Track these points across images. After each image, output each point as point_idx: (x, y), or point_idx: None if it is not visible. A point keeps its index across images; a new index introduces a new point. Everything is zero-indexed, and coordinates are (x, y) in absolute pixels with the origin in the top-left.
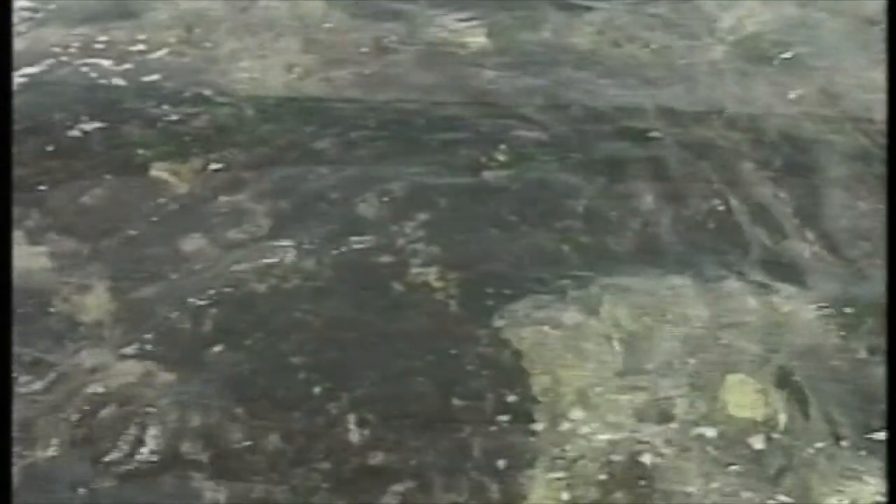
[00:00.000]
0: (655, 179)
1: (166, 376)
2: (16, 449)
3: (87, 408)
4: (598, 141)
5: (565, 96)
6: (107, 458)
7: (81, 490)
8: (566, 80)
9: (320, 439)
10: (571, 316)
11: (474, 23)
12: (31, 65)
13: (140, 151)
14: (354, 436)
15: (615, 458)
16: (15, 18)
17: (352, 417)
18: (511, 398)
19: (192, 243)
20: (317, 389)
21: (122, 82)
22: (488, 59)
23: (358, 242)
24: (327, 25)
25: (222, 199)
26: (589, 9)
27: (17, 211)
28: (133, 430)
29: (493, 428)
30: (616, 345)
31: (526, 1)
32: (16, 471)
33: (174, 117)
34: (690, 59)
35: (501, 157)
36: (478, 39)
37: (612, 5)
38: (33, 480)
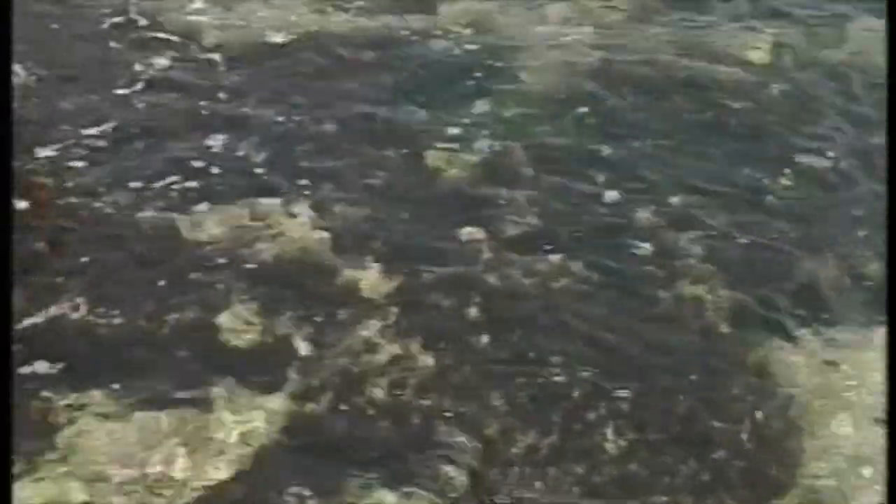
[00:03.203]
0: None
1: (426, 359)
2: None
3: (350, 381)
4: None
5: None
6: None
7: None
8: None
9: (575, 442)
10: (844, 355)
11: None
12: None
13: (421, 136)
14: (610, 445)
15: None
16: None
17: (609, 426)
18: (773, 427)
19: (467, 233)
20: (576, 393)
21: None
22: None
23: (631, 249)
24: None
25: (499, 191)
26: None
27: None
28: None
29: (751, 455)
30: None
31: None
32: None
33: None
34: None
35: (785, 181)
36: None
37: None
38: None
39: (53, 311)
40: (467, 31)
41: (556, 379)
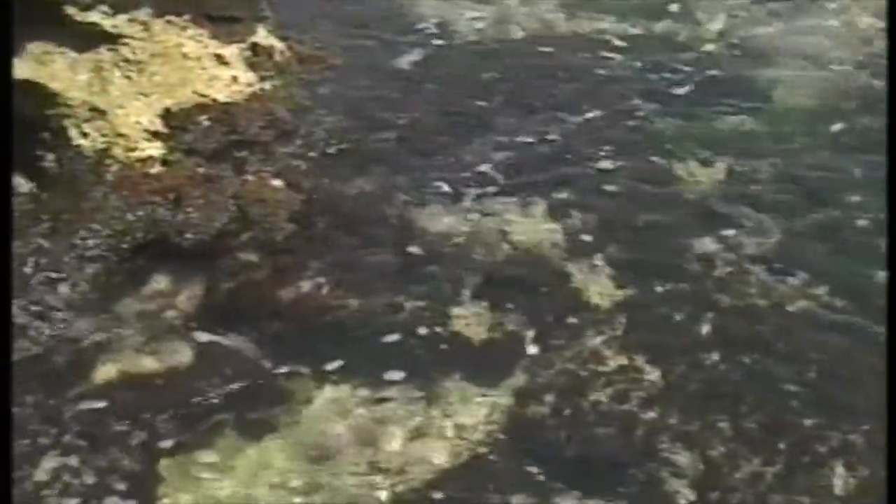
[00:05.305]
0: None
1: (653, 373)
2: None
3: (574, 386)
4: None
5: None
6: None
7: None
8: None
9: (803, 475)
10: None
11: None
12: None
13: (667, 146)
14: (839, 481)
15: None
16: None
17: (840, 462)
18: None
19: (704, 248)
20: (807, 423)
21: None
22: None
23: (879, 278)
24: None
25: (741, 207)
26: None
27: None
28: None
29: None
30: None
31: None
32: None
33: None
34: None
35: None
36: None
37: None
38: None
39: (299, 289)
40: (722, 42)
41: (788, 406)
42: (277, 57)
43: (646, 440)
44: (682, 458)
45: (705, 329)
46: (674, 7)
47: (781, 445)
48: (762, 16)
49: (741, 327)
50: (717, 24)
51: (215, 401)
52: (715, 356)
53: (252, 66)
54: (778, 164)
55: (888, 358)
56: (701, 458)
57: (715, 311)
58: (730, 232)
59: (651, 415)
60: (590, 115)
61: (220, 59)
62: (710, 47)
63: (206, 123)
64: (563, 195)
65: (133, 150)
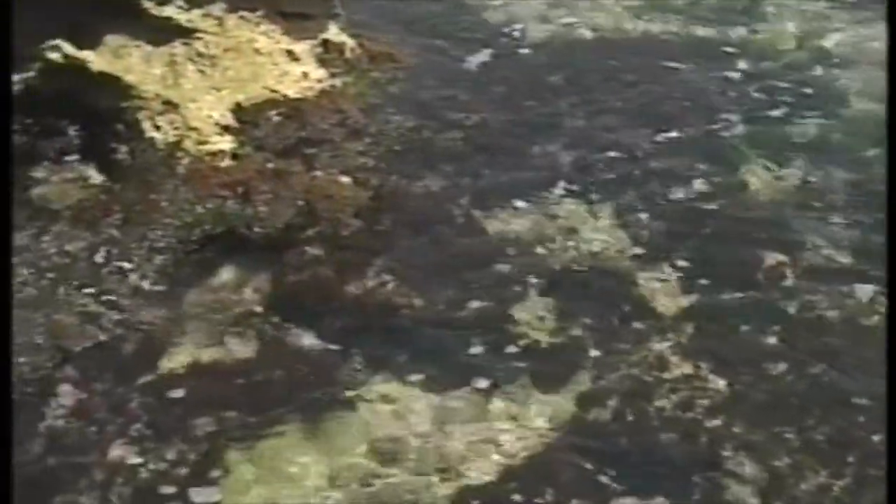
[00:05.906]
0: None
1: (718, 382)
2: None
3: (638, 392)
4: None
5: None
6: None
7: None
8: None
9: (871, 490)
10: None
11: None
12: None
13: (737, 152)
14: None
15: None
16: None
17: None
18: None
19: (773, 257)
20: (876, 438)
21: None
22: None
23: None
24: None
25: (812, 217)
26: None
27: None
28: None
29: None
30: None
31: None
32: None
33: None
34: None
35: None
36: None
37: None
38: None
39: (364, 285)
40: (793, 46)
41: (854, 420)
42: (348, 54)
43: (709, 448)
44: (747, 467)
45: (772, 339)
46: (743, 10)
47: (850, 459)
48: (829, 20)
49: (809, 339)
50: (786, 27)
51: (280, 393)
52: (782, 366)
53: (323, 62)
54: (852, 172)
55: (888, 356)
56: (766, 468)
57: (783, 321)
58: (799, 242)
59: (715, 423)
60: (658, 118)
61: (292, 56)
62: (780, 50)
63: (277, 119)
64: (631, 199)
65: (204, 143)
